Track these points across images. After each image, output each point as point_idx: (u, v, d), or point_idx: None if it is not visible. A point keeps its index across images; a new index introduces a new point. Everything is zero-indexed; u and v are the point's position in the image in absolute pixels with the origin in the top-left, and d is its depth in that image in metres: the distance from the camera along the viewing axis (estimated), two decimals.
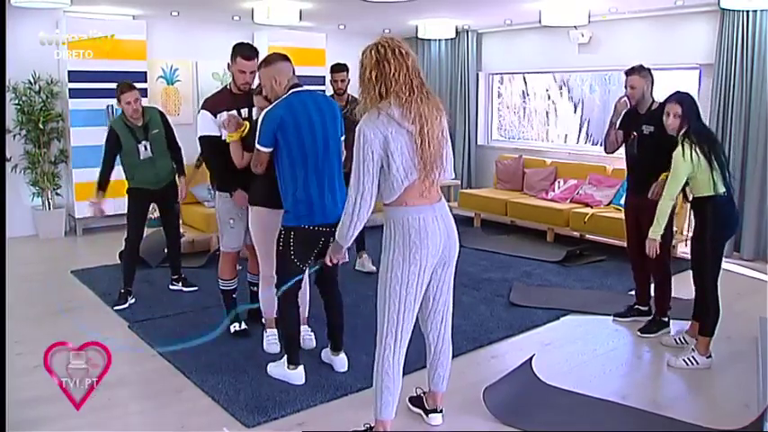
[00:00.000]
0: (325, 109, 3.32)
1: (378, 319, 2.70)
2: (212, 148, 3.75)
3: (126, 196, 4.67)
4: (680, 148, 3.54)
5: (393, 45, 2.53)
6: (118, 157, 4.59)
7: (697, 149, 3.50)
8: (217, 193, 3.92)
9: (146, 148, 4.56)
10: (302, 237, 3.26)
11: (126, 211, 4.67)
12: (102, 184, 4.55)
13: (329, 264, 2.88)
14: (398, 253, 2.59)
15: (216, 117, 3.67)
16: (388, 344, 2.66)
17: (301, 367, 3.42)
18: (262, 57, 3.62)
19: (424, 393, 3.07)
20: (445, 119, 2.65)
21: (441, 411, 3.01)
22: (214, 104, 3.74)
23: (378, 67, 2.52)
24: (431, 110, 2.56)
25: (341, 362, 3.57)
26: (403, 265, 2.59)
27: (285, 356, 3.45)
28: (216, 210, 3.96)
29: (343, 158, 3.43)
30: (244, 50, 3.70)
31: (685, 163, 3.50)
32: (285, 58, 3.37)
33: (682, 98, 3.64)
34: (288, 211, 3.28)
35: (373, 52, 2.54)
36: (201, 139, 3.76)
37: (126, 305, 4.57)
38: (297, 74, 3.40)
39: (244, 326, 4.04)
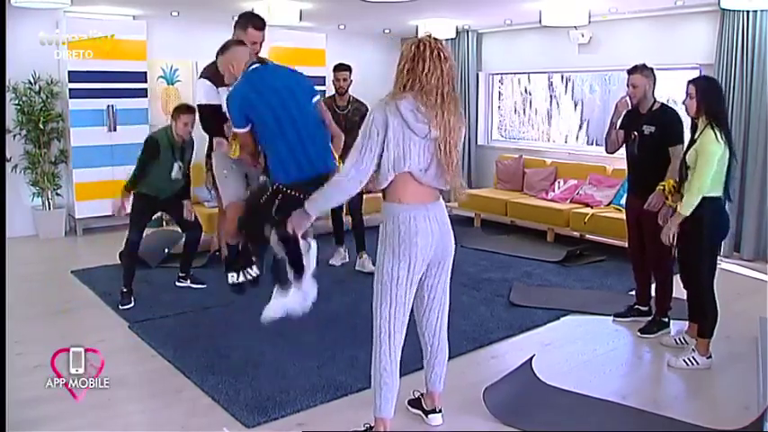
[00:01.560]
0: (283, 75, 3.33)
1: (373, 317, 2.72)
2: (212, 116, 3.68)
3: (131, 197, 4.68)
4: (710, 132, 3.42)
5: (433, 46, 2.53)
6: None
7: (723, 134, 3.42)
8: (212, 153, 3.87)
9: (179, 168, 4.66)
10: (289, 201, 3.15)
11: (130, 211, 4.67)
12: (131, 187, 4.58)
13: (290, 233, 2.73)
14: (389, 249, 2.61)
15: (217, 89, 3.60)
16: (384, 340, 2.68)
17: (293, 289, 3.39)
18: (264, 53, 3.63)
19: (422, 395, 3.07)
20: (464, 129, 2.66)
21: (440, 411, 3.01)
22: (218, 78, 3.61)
23: (412, 61, 2.52)
24: (455, 121, 2.56)
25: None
26: (393, 261, 2.61)
27: (275, 291, 3.43)
28: (214, 167, 3.90)
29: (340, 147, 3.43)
30: (255, 20, 3.62)
31: (718, 144, 3.40)
32: (240, 42, 3.38)
33: (698, 80, 3.66)
34: (276, 172, 3.26)
35: (413, 47, 2.54)
36: (201, 107, 3.71)
37: (132, 304, 4.58)
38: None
39: (242, 278, 3.73)
